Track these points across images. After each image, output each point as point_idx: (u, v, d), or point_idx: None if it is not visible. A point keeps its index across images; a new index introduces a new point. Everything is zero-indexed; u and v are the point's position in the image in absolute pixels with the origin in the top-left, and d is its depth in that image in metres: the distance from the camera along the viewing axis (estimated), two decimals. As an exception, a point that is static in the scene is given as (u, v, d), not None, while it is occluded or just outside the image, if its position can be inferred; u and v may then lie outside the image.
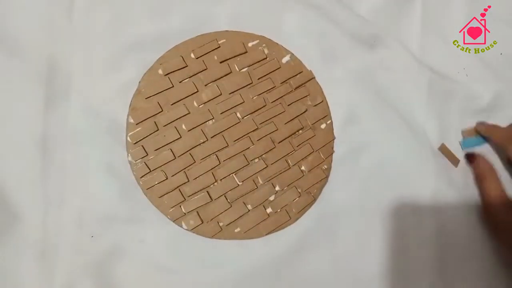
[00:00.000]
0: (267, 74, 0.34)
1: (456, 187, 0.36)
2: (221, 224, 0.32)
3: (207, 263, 0.32)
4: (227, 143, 0.32)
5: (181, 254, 0.31)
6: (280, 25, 0.35)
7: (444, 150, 0.37)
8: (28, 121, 0.30)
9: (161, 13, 0.33)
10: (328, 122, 0.35)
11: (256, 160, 0.33)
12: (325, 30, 0.35)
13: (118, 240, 0.31)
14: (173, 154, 0.31)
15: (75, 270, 0.30)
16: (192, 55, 0.32)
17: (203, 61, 0.32)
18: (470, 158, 0.38)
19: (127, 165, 0.31)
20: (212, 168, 0.32)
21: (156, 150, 0.31)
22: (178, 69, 0.32)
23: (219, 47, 0.33)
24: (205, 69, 0.32)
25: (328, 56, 0.35)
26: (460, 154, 0.38)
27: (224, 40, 0.33)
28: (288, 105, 0.34)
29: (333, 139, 0.35)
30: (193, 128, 0.32)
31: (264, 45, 0.34)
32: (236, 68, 0.33)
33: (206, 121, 0.32)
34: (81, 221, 0.30)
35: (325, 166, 0.34)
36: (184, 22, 0.33)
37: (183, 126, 0.32)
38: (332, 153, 0.35)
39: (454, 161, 0.37)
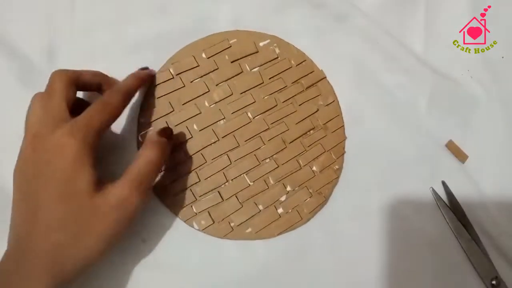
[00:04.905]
0: (278, 74, 0.33)
1: (463, 185, 0.36)
2: (232, 224, 0.31)
3: (211, 264, 0.31)
4: (238, 143, 0.32)
5: (183, 254, 0.31)
6: (288, 24, 0.35)
7: (451, 146, 0.36)
8: None
9: (165, 12, 0.33)
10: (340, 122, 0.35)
11: (267, 160, 0.33)
12: (331, 29, 0.35)
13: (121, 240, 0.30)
14: (185, 154, 0.31)
15: None
16: (203, 55, 0.32)
17: (214, 60, 0.32)
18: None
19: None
20: (223, 168, 0.32)
21: (167, 150, 0.31)
22: (190, 69, 0.32)
23: (230, 46, 0.33)
24: (216, 69, 0.32)
25: (333, 56, 0.35)
26: (467, 151, 0.36)
27: (235, 40, 0.33)
28: (299, 105, 0.34)
29: (345, 139, 0.34)
30: (204, 128, 0.32)
31: (275, 44, 0.34)
32: (247, 67, 0.33)
33: (217, 121, 0.32)
34: None
35: (337, 167, 0.34)
36: (191, 22, 0.33)
37: (195, 126, 0.32)
38: (343, 154, 0.34)
39: (462, 157, 0.36)
